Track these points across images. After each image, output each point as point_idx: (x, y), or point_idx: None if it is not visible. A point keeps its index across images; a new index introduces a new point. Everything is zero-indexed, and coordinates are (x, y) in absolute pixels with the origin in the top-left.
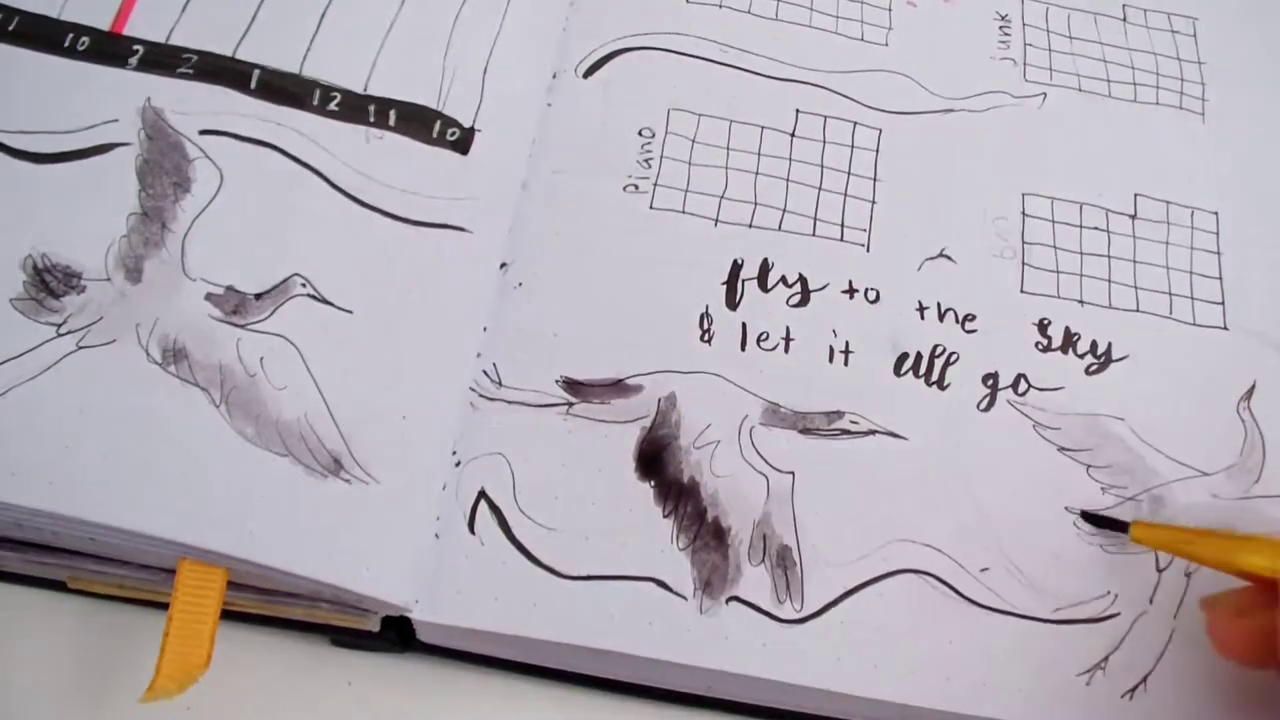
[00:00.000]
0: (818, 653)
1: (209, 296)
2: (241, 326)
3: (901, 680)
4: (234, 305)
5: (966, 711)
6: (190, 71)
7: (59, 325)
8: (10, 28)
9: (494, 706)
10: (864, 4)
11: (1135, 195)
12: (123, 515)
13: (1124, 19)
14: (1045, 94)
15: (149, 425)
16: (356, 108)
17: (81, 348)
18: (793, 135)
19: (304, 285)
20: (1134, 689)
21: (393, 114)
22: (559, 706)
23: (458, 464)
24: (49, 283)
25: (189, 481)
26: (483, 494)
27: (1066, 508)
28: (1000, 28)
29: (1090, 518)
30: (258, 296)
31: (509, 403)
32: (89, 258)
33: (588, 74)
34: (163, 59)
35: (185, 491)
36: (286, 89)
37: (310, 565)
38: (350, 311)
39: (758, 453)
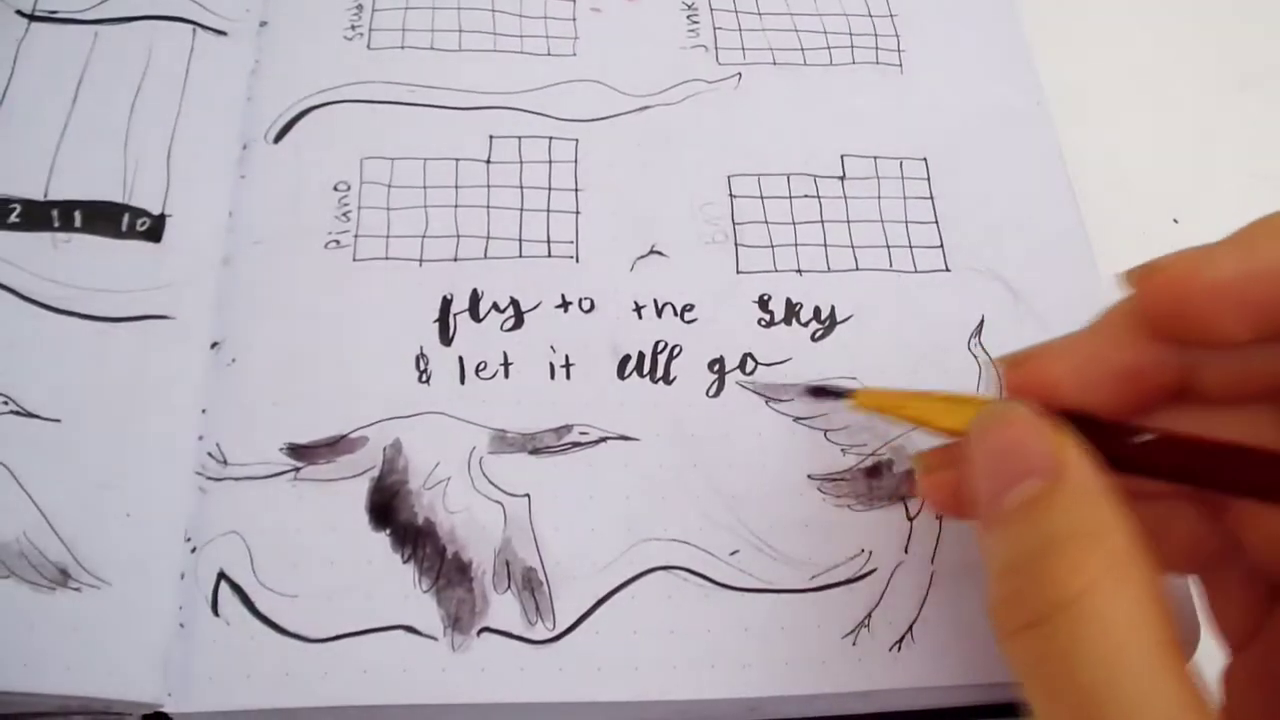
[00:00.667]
0: (577, 667)
1: None
2: None
3: (664, 677)
4: None
5: (734, 695)
6: None
7: None
8: None
9: None
10: (548, 19)
11: (842, 156)
12: None
13: None
14: (740, 74)
15: None
16: (39, 216)
17: None
18: (488, 162)
19: (6, 403)
20: (900, 640)
21: (78, 215)
22: None
23: (193, 550)
24: None
25: None
26: (222, 575)
27: (809, 476)
28: (688, 17)
29: (814, 391)
30: None
31: (237, 479)
32: None
33: (278, 139)
34: None
35: None
36: None
37: (49, 681)
38: (58, 420)
39: (490, 482)
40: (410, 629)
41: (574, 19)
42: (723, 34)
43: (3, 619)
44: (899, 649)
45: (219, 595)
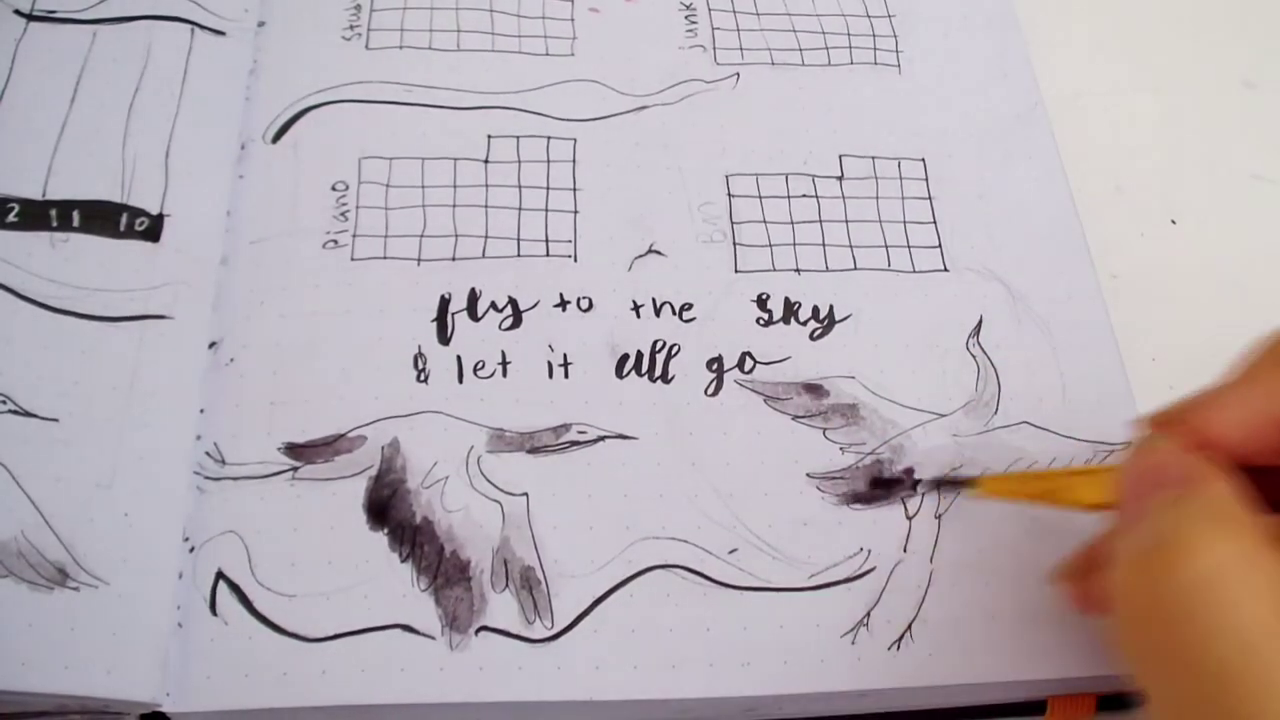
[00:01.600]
0: (575, 665)
1: None
2: None
3: (664, 676)
4: None
5: (732, 694)
6: None
7: None
8: None
9: None
10: (546, 19)
11: (840, 156)
12: None
13: None
14: (738, 74)
15: None
16: (37, 215)
17: None
18: (486, 161)
19: (4, 402)
20: (899, 639)
21: (76, 215)
22: None
23: (191, 550)
24: None
25: None
26: (220, 574)
27: (808, 474)
28: (687, 17)
29: (936, 484)
30: None
31: (235, 479)
32: None
33: (276, 138)
34: None
35: None
36: None
37: (47, 680)
38: (56, 419)
39: (488, 481)
40: (408, 628)
41: (572, 19)
42: (721, 34)
43: (1, 618)
44: (898, 648)
45: (217, 594)
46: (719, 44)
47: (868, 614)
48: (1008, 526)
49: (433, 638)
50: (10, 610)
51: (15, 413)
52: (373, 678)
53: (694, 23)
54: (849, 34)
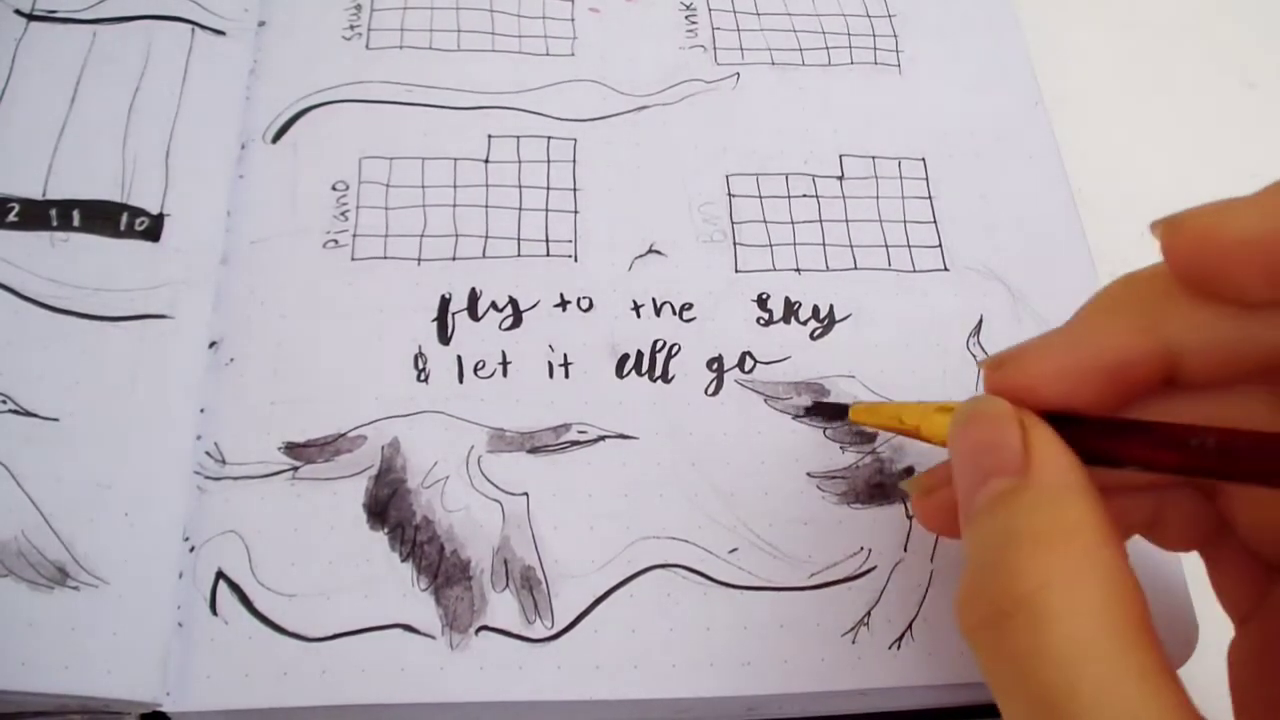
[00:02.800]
0: (575, 665)
1: None
2: None
3: (664, 676)
4: None
5: (733, 694)
6: None
7: None
8: None
9: None
10: (546, 19)
11: (840, 156)
12: None
13: None
14: (738, 74)
15: None
16: (37, 215)
17: None
18: (486, 161)
19: (4, 402)
20: (900, 638)
21: (76, 214)
22: None
23: (191, 549)
24: None
25: None
26: (220, 574)
27: (809, 474)
28: (687, 17)
29: (810, 409)
30: None
31: (235, 479)
32: None
33: (276, 138)
34: None
35: None
36: None
37: (47, 680)
38: (56, 419)
39: (488, 480)
40: (409, 628)
41: (572, 19)
42: (721, 34)
43: (1, 618)
44: (898, 647)
45: (217, 594)
46: (719, 44)
47: (868, 613)
48: None
49: (433, 637)
50: (10, 610)
51: (15, 412)
52: (373, 677)
53: (694, 23)
54: (849, 34)
